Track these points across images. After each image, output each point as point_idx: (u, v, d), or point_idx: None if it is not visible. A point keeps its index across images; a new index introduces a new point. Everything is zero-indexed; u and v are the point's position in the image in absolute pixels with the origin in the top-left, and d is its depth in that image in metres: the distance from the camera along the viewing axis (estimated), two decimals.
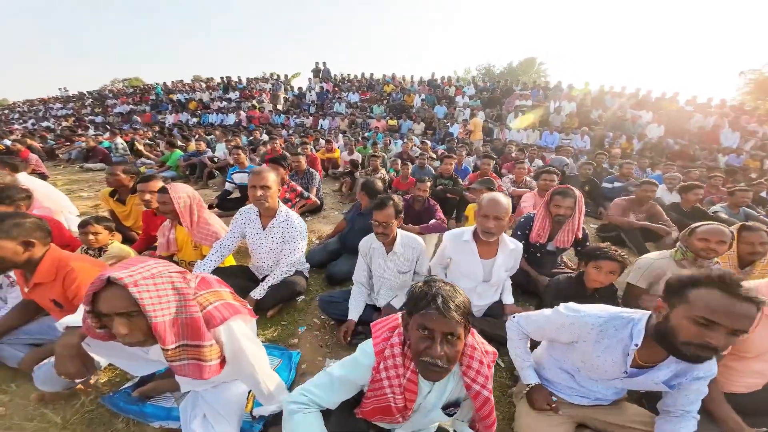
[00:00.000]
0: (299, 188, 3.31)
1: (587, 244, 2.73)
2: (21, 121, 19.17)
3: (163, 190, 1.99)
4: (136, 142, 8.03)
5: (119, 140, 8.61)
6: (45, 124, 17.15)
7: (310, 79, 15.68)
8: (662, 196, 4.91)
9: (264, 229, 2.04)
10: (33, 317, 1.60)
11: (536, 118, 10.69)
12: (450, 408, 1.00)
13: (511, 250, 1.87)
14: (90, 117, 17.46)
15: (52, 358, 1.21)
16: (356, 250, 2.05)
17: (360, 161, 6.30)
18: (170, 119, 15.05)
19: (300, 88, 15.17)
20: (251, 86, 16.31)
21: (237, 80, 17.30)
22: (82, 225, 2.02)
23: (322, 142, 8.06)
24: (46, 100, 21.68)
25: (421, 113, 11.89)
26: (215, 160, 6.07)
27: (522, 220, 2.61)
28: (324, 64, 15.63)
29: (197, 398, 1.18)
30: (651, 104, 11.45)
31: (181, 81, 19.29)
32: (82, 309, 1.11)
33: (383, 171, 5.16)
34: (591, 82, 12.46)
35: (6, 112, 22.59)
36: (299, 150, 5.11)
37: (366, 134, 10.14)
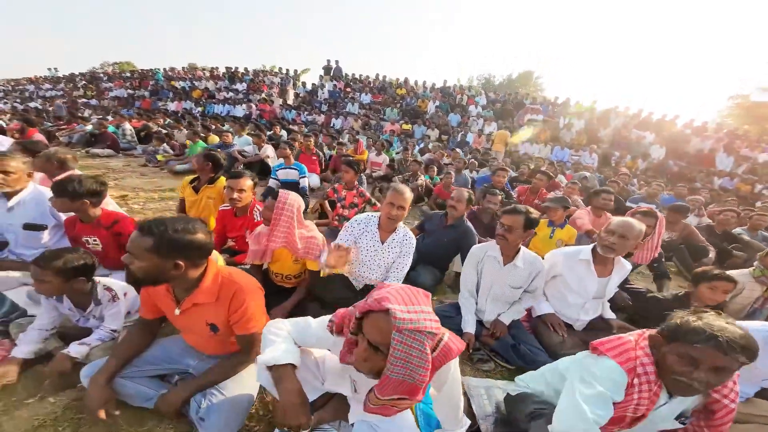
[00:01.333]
0: (367, 194, 3.27)
1: (662, 260, 2.89)
2: (4, 101, 17.99)
3: (274, 195, 1.89)
4: (150, 128, 7.66)
5: (127, 126, 8.22)
6: (32, 104, 16.15)
7: (321, 76, 15.52)
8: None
9: (383, 243, 2.00)
10: (151, 341, 1.39)
11: (536, 132, 10.95)
12: (682, 417, 1.04)
13: (626, 269, 1.93)
14: (83, 100, 16.60)
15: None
16: (436, 262, 2.07)
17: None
18: (172, 107, 14.53)
19: (313, 84, 14.97)
20: (259, 79, 15.98)
21: (244, 71, 16.91)
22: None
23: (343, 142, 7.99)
24: (35, 80, 20.44)
25: (435, 120, 12.00)
26: (243, 154, 5.89)
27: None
28: (336, 62, 15.53)
29: (368, 427, 1.06)
30: (652, 125, 12.01)
31: (183, 68, 18.68)
32: (283, 345, 1.04)
33: (422, 177, 5.16)
34: (587, 98, 12.98)
35: None
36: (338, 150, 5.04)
37: (383, 137, 10.13)
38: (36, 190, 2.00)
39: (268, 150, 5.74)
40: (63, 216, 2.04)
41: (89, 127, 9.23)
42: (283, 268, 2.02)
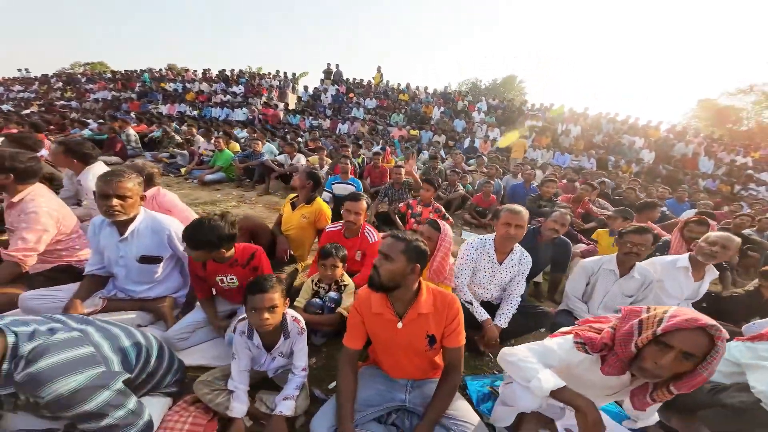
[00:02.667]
0: (443, 209, 3.34)
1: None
2: None
3: (435, 226, 1.96)
4: (165, 135, 7.29)
5: (131, 131, 7.78)
6: (4, 107, 14.85)
7: (322, 80, 15.39)
8: None
9: (500, 264, 2.06)
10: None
11: (521, 136, 11.50)
12: None
13: (714, 273, 2.27)
14: (62, 102, 15.48)
15: None
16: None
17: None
18: (164, 109, 13.89)
19: (316, 89, 14.80)
20: (255, 82, 15.59)
21: (239, 74, 16.43)
22: (324, 255, 1.90)
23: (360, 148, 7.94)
24: (3, 81, 18.85)
25: (441, 125, 12.23)
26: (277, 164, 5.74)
27: (660, 244, 3.04)
28: (337, 66, 15.46)
29: None
30: (640, 131, 12.88)
31: (171, 70, 17.88)
32: None
33: (461, 187, 5.29)
34: (563, 102, 13.83)
35: None
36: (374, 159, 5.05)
37: (395, 143, 10.21)
38: (149, 215, 1.82)
39: (302, 159, 5.67)
40: (181, 246, 1.85)
41: (87, 132, 8.68)
42: None
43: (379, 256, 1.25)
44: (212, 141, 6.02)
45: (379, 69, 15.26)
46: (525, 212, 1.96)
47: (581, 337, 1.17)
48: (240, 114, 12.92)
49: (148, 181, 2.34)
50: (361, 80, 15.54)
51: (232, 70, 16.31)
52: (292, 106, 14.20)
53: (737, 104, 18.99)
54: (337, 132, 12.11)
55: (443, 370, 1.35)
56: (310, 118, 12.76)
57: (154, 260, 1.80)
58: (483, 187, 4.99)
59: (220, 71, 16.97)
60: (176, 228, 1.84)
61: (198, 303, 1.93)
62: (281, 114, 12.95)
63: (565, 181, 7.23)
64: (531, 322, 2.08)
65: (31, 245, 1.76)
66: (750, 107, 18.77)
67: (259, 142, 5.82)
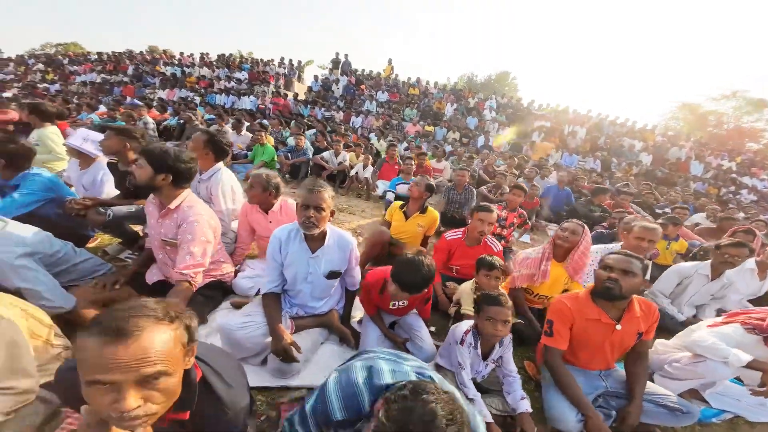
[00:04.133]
0: (525, 214, 3.52)
1: None
2: None
3: (577, 232, 2.14)
4: (189, 124, 6.91)
5: (149, 118, 7.34)
6: None
7: (330, 70, 15.02)
8: (702, 223, 6.19)
9: None
10: None
11: (513, 135, 12.01)
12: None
13: None
14: (45, 84, 14.21)
15: None
16: None
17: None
18: (161, 94, 13.12)
19: (326, 79, 14.43)
20: (259, 68, 14.98)
21: (241, 59, 15.72)
22: (489, 267, 2.02)
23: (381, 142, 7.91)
24: None
25: (454, 122, 12.38)
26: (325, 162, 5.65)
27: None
28: (346, 56, 15.11)
29: None
30: (636, 134, 13.63)
31: (165, 51, 16.77)
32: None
33: (506, 188, 5.48)
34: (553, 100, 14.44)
35: None
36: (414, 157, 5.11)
37: (409, 138, 10.26)
38: (334, 230, 1.78)
39: (347, 157, 5.65)
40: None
41: (95, 117, 8.10)
42: (548, 290, 2.26)
43: (617, 271, 1.49)
44: (241, 133, 5.83)
45: (390, 61, 15.08)
46: (659, 229, 2.26)
47: (749, 324, 1.67)
48: (247, 102, 12.43)
49: (277, 191, 2.27)
50: (371, 72, 15.30)
51: (231, 54, 15.53)
52: (301, 96, 13.82)
53: (720, 109, 20.42)
54: (351, 125, 11.98)
55: (639, 356, 1.65)
56: (323, 109, 12.51)
57: (337, 275, 1.81)
58: (531, 190, 5.20)
59: (219, 55, 16.14)
60: (354, 243, 1.89)
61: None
62: (292, 105, 12.61)
63: (587, 182, 7.66)
64: None
65: (198, 260, 1.64)
66: (731, 112, 20.23)
67: (303, 138, 5.73)
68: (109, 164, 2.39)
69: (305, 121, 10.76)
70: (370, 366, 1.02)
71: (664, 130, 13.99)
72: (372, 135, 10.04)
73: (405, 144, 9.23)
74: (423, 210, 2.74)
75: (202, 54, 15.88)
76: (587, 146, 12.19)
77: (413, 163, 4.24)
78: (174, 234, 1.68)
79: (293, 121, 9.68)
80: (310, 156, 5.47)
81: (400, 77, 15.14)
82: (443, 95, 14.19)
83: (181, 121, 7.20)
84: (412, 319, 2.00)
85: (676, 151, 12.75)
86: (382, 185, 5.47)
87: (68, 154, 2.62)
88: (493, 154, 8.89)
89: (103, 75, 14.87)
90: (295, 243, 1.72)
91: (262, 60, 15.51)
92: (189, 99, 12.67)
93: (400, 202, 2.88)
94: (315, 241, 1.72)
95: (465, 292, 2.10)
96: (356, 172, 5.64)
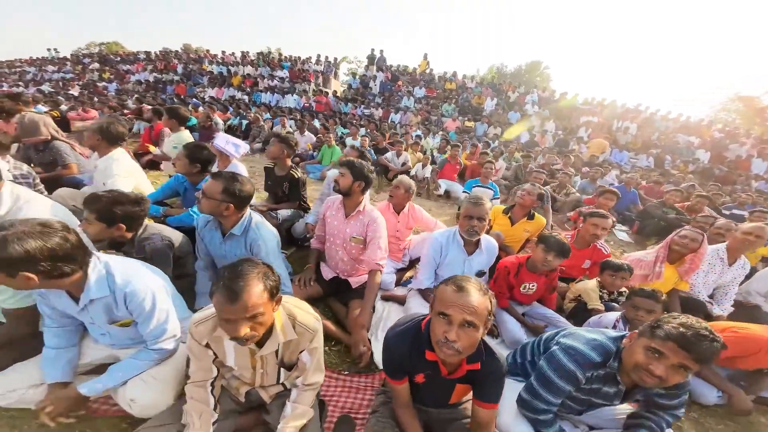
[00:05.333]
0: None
1: None
2: (9, 84, 16.27)
3: (697, 240, 2.25)
4: (255, 124, 7.36)
5: (218, 118, 7.79)
6: (43, 88, 14.73)
7: (366, 66, 15.16)
8: None
9: (730, 266, 2.47)
10: None
11: (523, 129, 11.56)
12: None
13: None
14: (103, 83, 15.37)
15: None
16: None
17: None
18: (210, 93, 13.83)
19: (364, 76, 14.62)
20: (299, 67, 15.37)
21: (280, 57, 16.18)
22: (617, 269, 2.18)
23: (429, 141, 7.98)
24: (32, 61, 18.61)
25: (495, 117, 12.20)
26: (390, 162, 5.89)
27: None
28: (381, 52, 15.17)
29: None
30: (692, 129, 12.82)
31: (208, 50, 17.54)
32: None
33: (573, 189, 5.48)
34: (584, 89, 13.71)
35: None
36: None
37: (450, 135, 10.26)
38: (483, 235, 2.05)
39: (409, 158, 5.84)
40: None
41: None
42: (664, 286, 2.41)
43: None
44: (304, 134, 6.12)
45: (425, 56, 14.98)
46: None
47: None
48: (291, 100, 12.86)
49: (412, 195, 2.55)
50: (406, 67, 15.28)
51: (280, 52, 15.99)
52: (339, 93, 14.10)
53: None
54: (389, 121, 12.13)
55: None
56: (362, 106, 12.73)
57: (483, 274, 2.10)
58: (605, 193, 5.16)
59: (258, 53, 16.68)
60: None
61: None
62: (333, 102, 12.92)
63: (644, 182, 7.41)
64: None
65: (385, 253, 2.06)
66: None
67: (367, 139, 5.97)
68: (265, 168, 2.72)
69: (352, 119, 11.05)
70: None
71: (715, 123, 13.04)
72: (418, 132, 10.15)
73: (438, 138, 9.22)
74: (530, 216, 2.88)
75: (243, 53, 16.48)
76: (639, 143, 11.65)
77: (493, 166, 4.34)
78: (361, 232, 1.99)
79: (348, 122, 9.95)
80: (375, 157, 5.71)
81: (449, 73, 14.96)
82: (481, 89, 13.97)
83: (246, 121, 7.65)
84: (543, 309, 2.20)
85: (737, 148, 11.90)
86: (443, 185, 5.64)
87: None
88: (548, 152, 8.78)
89: (154, 74, 15.82)
90: (454, 246, 2.00)
91: (299, 58, 15.87)
92: (237, 98, 13.33)
93: (502, 206, 3.04)
94: (471, 246, 1.97)
95: (590, 289, 2.26)
96: (415, 172, 5.83)
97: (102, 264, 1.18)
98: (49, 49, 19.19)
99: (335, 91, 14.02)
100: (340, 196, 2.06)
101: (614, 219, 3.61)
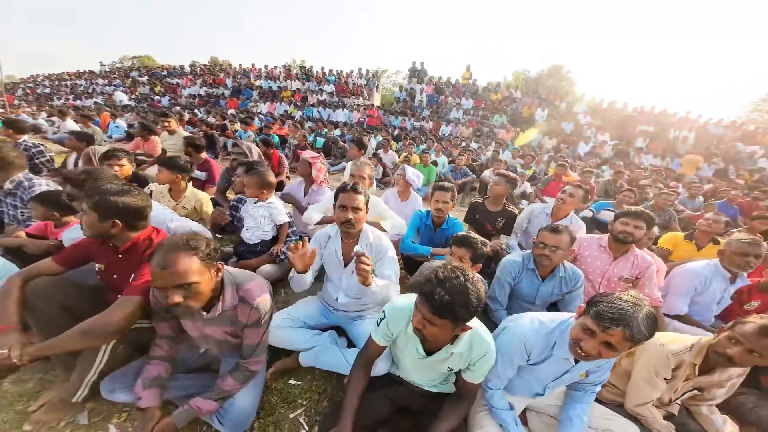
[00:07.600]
0: None
1: None
2: (56, 97, 17.29)
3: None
4: (334, 143, 7.59)
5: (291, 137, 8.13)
6: (92, 101, 15.54)
7: (409, 78, 15.45)
8: None
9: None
10: None
11: (538, 133, 11.42)
12: None
13: None
14: (157, 97, 16.12)
15: None
16: None
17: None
18: (263, 108, 14.32)
19: (411, 89, 14.90)
20: (344, 80, 15.78)
21: (321, 71, 16.64)
22: None
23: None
24: (80, 75, 19.70)
25: (548, 128, 12.23)
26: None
27: None
28: (422, 64, 15.45)
29: None
30: (747, 137, 12.51)
31: (253, 64, 18.18)
32: None
33: (674, 211, 5.46)
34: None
35: (30, 85, 20.24)
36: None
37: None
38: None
39: (468, 173, 6.01)
40: None
41: (252, 134, 8.94)
42: None
43: None
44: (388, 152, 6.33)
45: (468, 68, 15.17)
46: None
47: None
48: (341, 115, 13.21)
49: None
50: (449, 79, 15.50)
51: (311, 66, 16.47)
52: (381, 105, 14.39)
53: None
54: (440, 134, 12.30)
55: None
56: (412, 119, 12.96)
57: None
58: (704, 208, 5.16)
59: (300, 67, 17.23)
60: None
61: None
62: (383, 116, 13.21)
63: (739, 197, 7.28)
64: None
65: None
66: None
67: (463, 158, 6.13)
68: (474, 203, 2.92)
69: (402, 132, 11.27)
70: None
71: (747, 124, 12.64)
72: (474, 144, 10.26)
73: (491, 148, 9.19)
74: (716, 241, 2.96)
75: (286, 65, 17.04)
76: (699, 152, 11.45)
77: (633, 195, 4.36)
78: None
79: (402, 137, 10.16)
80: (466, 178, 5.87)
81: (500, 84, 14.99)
82: (528, 100, 14.03)
83: (326, 141, 7.92)
84: None
85: None
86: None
87: None
88: (635, 168, 8.68)
89: (204, 88, 16.49)
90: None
91: (342, 72, 16.30)
92: (288, 112, 13.78)
93: (681, 234, 3.11)
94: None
95: None
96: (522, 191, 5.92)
97: None
98: (100, 62, 20.30)
99: (381, 105, 14.33)
100: None
101: None
